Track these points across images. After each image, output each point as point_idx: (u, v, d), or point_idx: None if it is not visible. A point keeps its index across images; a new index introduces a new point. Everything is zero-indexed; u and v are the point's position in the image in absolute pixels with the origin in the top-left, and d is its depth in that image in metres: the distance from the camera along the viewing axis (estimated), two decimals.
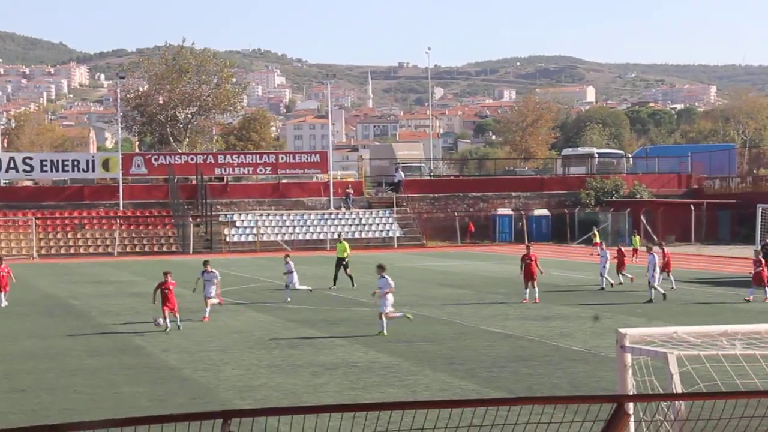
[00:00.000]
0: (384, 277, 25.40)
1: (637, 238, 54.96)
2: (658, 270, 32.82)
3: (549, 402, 6.84)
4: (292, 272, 34.27)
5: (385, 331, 25.09)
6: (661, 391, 8.13)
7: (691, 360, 8.61)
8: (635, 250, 54.12)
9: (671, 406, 7.82)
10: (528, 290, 32.90)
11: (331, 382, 19.00)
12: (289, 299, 33.84)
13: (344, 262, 39.43)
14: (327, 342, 24.53)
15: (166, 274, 27.02)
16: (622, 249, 40.12)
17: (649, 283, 32.81)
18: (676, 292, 35.10)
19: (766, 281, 32.59)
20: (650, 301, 32.41)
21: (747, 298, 32.34)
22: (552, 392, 17.57)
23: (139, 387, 18.75)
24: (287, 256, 35.91)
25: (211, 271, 29.56)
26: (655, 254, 33.09)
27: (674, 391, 7.78)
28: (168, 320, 26.44)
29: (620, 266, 38.64)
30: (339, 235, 43.46)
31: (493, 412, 11.30)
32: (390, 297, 25.30)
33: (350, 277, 38.99)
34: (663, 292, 32.94)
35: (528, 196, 76.68)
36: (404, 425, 7.93)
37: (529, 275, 32.93)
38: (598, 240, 59.56)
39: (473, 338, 24.93)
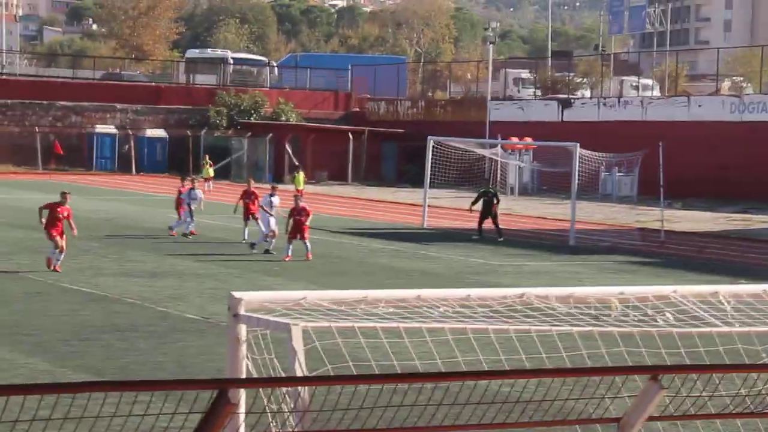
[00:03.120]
0: None
1: (301, 174, 53.63)
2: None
3: (139, 388, 6.88)
4: None
5: None
6: (282, 374, 8.44)
7: (322, 334, 9.00)
8: (299, 191, 53.55)
9: (292, 392, 8.14)
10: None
11: None
12: None
13: None
14: None
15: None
16: (252, 189, 37.36)
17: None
18: (325, 245, 36.20)
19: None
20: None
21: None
22: (153, 374, 17.77)
23: None
24: None
25: None
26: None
27: (296, 374, 8.11)
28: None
29: (247, 213, 36.68)
30: None
31: (68, 401, 11.22)
32: None
33: None
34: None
35: (139, 111, 76.16)
36: None
37: None
38: (211, 174, 59.82)
39: (51, 300, 24.74)
